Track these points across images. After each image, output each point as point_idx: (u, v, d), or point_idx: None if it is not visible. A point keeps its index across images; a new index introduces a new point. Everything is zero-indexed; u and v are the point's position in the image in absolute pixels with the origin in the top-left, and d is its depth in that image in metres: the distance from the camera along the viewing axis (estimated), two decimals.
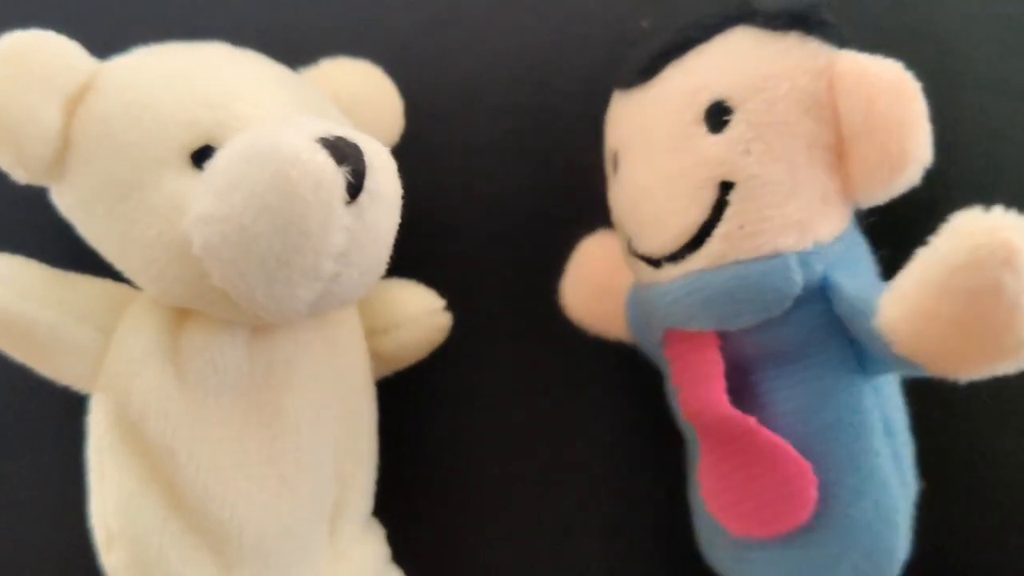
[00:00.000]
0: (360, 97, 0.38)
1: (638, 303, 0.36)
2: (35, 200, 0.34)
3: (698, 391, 0.33)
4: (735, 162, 0.31)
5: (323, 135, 0.28)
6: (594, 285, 0.40)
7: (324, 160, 0.28)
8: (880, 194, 0.31)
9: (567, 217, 0.40)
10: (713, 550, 0.37)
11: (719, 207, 0.31)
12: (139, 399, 0.31)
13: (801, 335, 0.32)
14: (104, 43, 0.33)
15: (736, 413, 0.32)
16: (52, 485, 0.39)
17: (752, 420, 0.32)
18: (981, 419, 0.34)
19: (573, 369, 0.41)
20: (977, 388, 0.32)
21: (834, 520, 0.32)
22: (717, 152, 0.31)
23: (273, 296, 0.29)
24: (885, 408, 0.33)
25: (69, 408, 0.33)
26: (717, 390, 0.32)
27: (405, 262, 0.34)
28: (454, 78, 0.41)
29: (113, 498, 0.31)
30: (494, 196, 0.41)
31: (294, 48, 0.37)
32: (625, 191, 0.35)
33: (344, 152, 0.28)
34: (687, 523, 0.38)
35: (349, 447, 0.36)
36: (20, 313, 0.31)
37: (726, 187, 0.31)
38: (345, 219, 0.29)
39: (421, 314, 0.39)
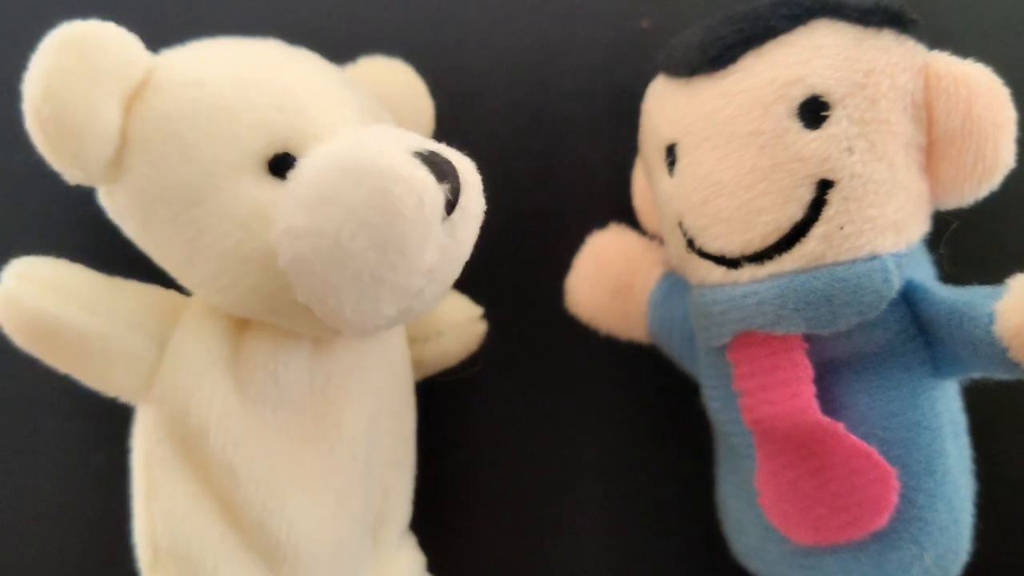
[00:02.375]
0: (397, 97, 0.36)
1: (698, 304, 0.33)
2: (61, 201, 0.33)
3: (779, 395, 0.31)
4: (837, 160, 0.29)
5: (418, 149, 0.27)
6: (610, 282, 0.37)
7: (425, 176, 0.26)
8: (966, 197, 0.30)
9: (567, 217, 0.39)
10: (763, 557, 0.34)
11: (816, 206, 0.29)
12: (199, 412, 0.29)
13: (885, 338, 0.31)
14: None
15: (824, 419, 0.30)
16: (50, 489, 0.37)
17: (840, 426, 0.30)
18: (981, 419, 0.34)
19: (576, 369, 0.40)
20: (977, 388, 0.33)
21: (909, 523, 0.30)
22: (818, 149, 0.29)
23: (360, 312, 0.27)
24: (952, 410, 0.32)
25: (68, 410, 0.32)
26: (806, 395, 0.30)
27: None
28: (454, 78, 0.40)
29: (164, 515, 0.29)
30: (494, 196, 0.39)
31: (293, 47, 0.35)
32: (692, 185, 0.32)
33: (443, 168, 0.27)
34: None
35: (393, 457, 0.35)
36: (71, 322, 0.28)
37: (824, 186, 0.29)
38: (439, 236, 0.27)
39: (464, 322, 0.38)
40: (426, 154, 0.27)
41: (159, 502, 0.30)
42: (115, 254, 0.31)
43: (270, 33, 0.33)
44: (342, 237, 0.26)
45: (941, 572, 0.31)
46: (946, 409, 0.31)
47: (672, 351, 0.37)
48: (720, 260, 0.31)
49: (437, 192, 0.26)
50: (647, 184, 0.37)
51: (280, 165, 0.28)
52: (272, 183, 0.28)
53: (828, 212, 0.29)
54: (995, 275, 0.30)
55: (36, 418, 0.38)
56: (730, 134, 0.30)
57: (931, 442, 0.31)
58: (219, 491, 0.30)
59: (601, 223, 0.38)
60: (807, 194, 0.29)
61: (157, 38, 0.31)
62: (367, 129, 0.29)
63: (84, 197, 0.32)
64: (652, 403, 0.40)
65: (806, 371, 0.30)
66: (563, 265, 0.38)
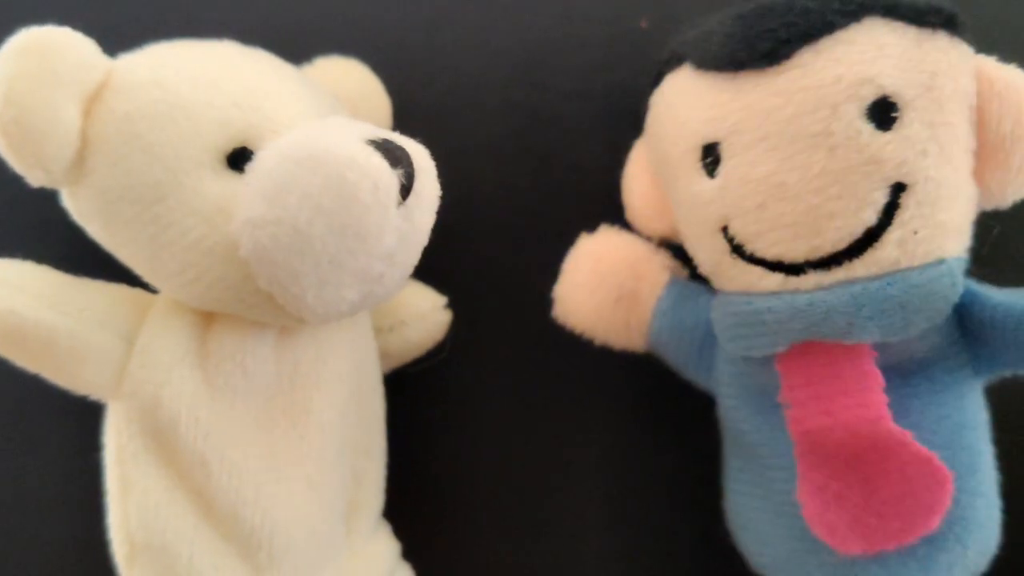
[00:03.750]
0: (353, 95, 0.36)
1: (742, 312, 0.31)
2: (26, 204, 0.33)
3: (839, 405, 0.29)
4: (913, 163, 0.28)
5: (371, 137, 0.27)
6: (613, 290, 0.35)
7: (380, 162, 0.27)
8: (1008, 199, 0.30)
9: (567, 217, 0.38)
10: (797, 570, 0.32)
11: (889, 210, 0.28)
12: (169, 405, 0.29)
13: (936, 342, 0.30)
14: (95, 40, 0.30)
15: (896, 428, 0.29)
16: (50, 489, 0.37)
17: (908, 435, 0.29)
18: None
19: (572, 369, 0.40)
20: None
21: (954, 523, 0.30)
22: (895, 152, 0.28)
23: (322, 298, 0.28)
24: (983, 408, 0.32)
25: (68, 412, 0.32)
26: (877, 405, 0.29)
27: None
28: (453, 78, 0.39)
29: (138, 509, 0.30)
30: (494, 196, 0.39)
31: (293, 47, 0.35)
32: (745, 188, 0.29)
33: (396, 154, 0.27)
34: (693, 523, 0.38)
35: (364, 444, 0.35)
36: (40, 321, 0.28)
37: (897, 189, 0.28)
38: (396, 221, 0.27)
39: (427, 311, 0.38)
40: (380, 141, 0.27)
41: (133, 496, 0.30)
42: (81, 255, 0.31)
43: (269, 33, 0.33)
44: (300, 225, 0.26)
45: (977, 567, 0.31)
46: (980, 408, 0.32)
47: (678, 360, 0.35)
48: (777, 266, 0.30)
49: (391, 177, 0.27)
50: (653, 185, 0.35)
51: (238, 159, 0.29)
52: (231, 176, 0.29)
53: (903, 216, 0.28)
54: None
55: (36, 418, 0.38)
56: (793, 135, 0.29)
57: (973, 442, 0.31)
58: (192, 483, 0.30)
59: (599, 223, 0.36)
60: (882, 198, 0.28)
61: (136, 41, 0.31)
62: (322, 121, 0.29)
63: (48, 200, 0.31)
64: (650, 402, 0.39)
65: (876, 380, 0.29)
66: (561, 265, 0.37)
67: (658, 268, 0.35)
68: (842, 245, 0.29)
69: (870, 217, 0.28)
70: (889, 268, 0.28)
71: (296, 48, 0.36)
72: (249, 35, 0.33)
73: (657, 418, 0.39)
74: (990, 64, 0.30)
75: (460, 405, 0.40)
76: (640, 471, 0.39)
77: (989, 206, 0.31)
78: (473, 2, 0.39)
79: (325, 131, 0.28)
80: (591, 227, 0.36)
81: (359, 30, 0.39)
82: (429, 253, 0.36)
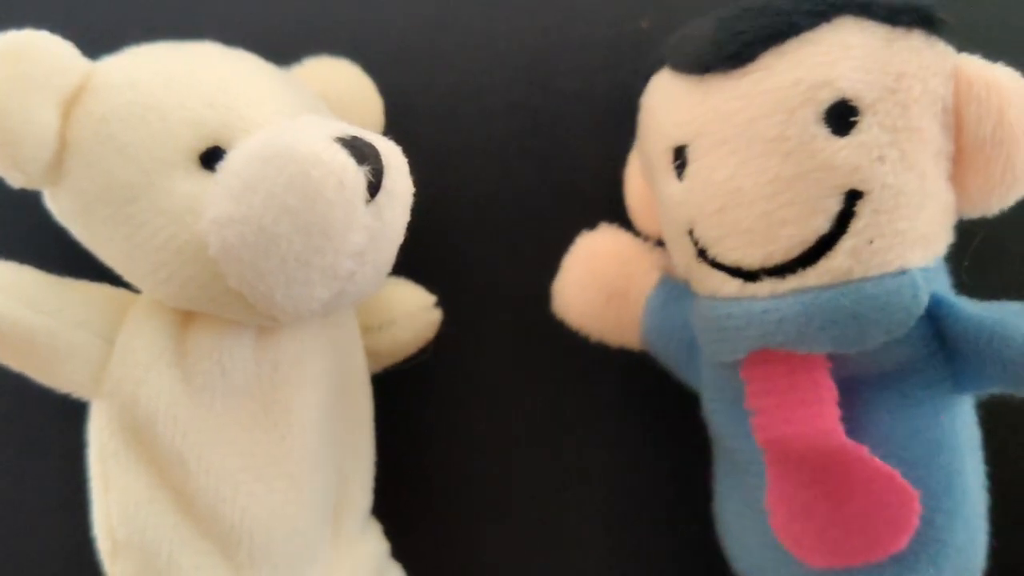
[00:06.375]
0: (344, 95, 0.36)
1: (708, 317, 0.30)
2: (21, 204, 0.32)
3: (797, 415, 0.28)
4: (868, 170, 0.26)
5: (339, 134, 0.27)
6: (604, 288, 0.35)
7: (345, 159, 0.26)
8: (992, 207, 0.28)
9: (567, 217, 0.37)
10: None
11: (843, 218, 0.27)
12: (147, 404, 0.29)
13: (908, 355, 0.28)
14: (91, 42, 0.30)
15: (849, 442, 0.28)
16: (50, 489, 0.38)
17: (864, 450, 0.28)
18: (980, 418, 0.33)
19: (572, 369, 0.39)
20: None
21: (928, 545, 0.29)
22: (848, 158, 0.27)
23: (291, 296, 0.28)
24: (969, 426, 0.30)
25: (68, 412, 0.32)
26: (829, 417, 0.28)
27: (404, 262, 0.31)
28: (454, 78, 0.39)
29: (119, 506, 0.30)
30: (494, 196, 0.39)
31: (294, 48, 0.35)
32: (707, 192, 0.29)
33: (363, 151, 0.27)
34: (687, 519, 0.38)
35: (350, 444, 0.35)
36: (18, 320, 0.28)
37: (852, 196, 0.27)
38: (365, 218, 0.27)
39: (416, 311, 0.37)
40: (347, 138, 0.27)
41: (113, 494, 0.30)
42: (72, 255, 0.31)
43: (270, 34, 0.33)
44: (265, 223, 0.26)
45: None
46: (964, 426, 0.30)
47: (668, 359, 0.35)
48: (736, 272, 0.29)
49: (357, 174, 0.26)
50: (645, 184, 0.35)
51: (211, 158, 0.28)
52: (203, 176, 0.28)
53: (857, 225, 0.27)
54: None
55: (35, 418, 0.38)
56: (751, 138, 0.28)
57: (950, 461, 0.29)
58: (171, 481, 0.30)
59: (599, 224, 0.36)
60: (835, 205, 0.27)
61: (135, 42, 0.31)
62: (292, 119, 0.29)
63: (37, 199, 0.31)
64: (647, 402, 0.39)
65: (829, 392, 0.28)
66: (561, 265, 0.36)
67: (648, 266, 0.35)
68: (795, 253, 0.27)
69: (822, 225, 0.27)
70: (841, 278, 0.27)
71: (298, 50, 0.36)
72: (250, 37, 0.33)
73: (655, 418, 0.39)
74: (972, 64, 0.27)
75: (453, 404, 0.39)
76: (636, 471, 0.39)
77: (974, 214, 0.29)
78: (475, 3, 0.39)
79: (293, 129, 0.27)
80: (591, 227, 0.36)
81: (361, 31, 0.39)
82: (429, 253, 0.38)
